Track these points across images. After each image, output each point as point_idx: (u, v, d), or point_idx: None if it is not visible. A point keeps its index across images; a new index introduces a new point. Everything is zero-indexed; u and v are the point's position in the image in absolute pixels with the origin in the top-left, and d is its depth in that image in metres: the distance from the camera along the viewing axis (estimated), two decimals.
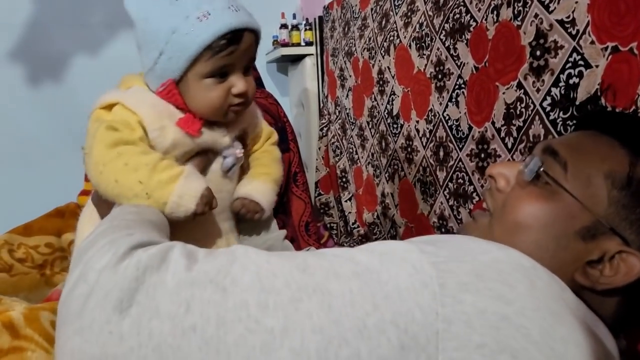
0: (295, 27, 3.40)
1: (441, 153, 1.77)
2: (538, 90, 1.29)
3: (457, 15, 1.64)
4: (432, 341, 0.56)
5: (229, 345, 0.57)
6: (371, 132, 2.36)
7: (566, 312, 0.60)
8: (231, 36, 0.86)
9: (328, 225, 2.82)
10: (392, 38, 2.13)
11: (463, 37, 1.61)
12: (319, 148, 2.96)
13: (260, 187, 1.08)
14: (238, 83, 0.91)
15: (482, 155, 1.54)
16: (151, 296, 0.60)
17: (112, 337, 0.58)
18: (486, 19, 1.49)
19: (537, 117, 1.29)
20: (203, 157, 0.97)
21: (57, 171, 2.81)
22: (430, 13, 1.81)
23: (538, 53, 1.28)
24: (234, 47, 0.87)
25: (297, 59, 3.36)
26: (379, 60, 2.25)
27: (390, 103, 2.16)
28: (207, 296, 0.60)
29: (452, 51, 1.68)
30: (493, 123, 1.47)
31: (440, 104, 1.76)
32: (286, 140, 2.26)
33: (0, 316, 0.71)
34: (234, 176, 1.05)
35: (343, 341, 0.57)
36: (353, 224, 2.61)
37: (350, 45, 2.56)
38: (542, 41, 1.27)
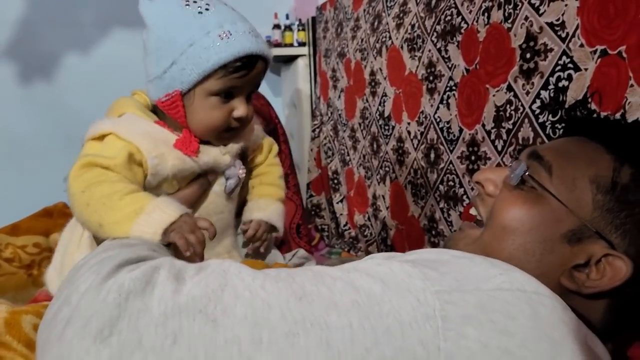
0: (288, 28, 3.39)
1: (432, 155, 1.77)
2: (528, 93, 1.29)
3: (449, 17, 1.63)
4: None
5: None
6: (363, 134, 2.36)
7: (567, 337, 0.59)
8: (246, 60, 0.87)
9: (319, 227, 2.81)
10: (384, 39, 2.12)
11: (454, 39, 1.61)
12: (311, 149, 2.95)
13: (275, 209, 1.09)
14: (240, 107, 0.91)
15: (473, 158, 1.54)
16: (134, 325, 0.56)
17: None
18: (477, 21, 1.49)
19: (526, 120, 1.29)
20: (201, 180, 0.97)
21: (46, 171, 2.78)
22: (422, 14, 1.81)
23: (528, 56, 1.28)
24: (246, 72, 0.88)
25: (290, 59, 3.35)
26: (371, 62, 2.25)
27: (382, 104, 2.16)
28: (196, 329, 0.56)
29: (443, 53, 1.68)
30: (483, 125, 1.47)
31: (432, 105, 1.75)
32: (277, 142, 2.25)
33: None
34: (235, 195, 1.05)
35: None
36: (344, 225, 2.60)
37: (343, 46, 2.56)
38: (532, 44, 1.27)
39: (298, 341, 0.56)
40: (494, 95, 1.42)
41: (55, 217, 1.53)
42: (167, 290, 0.59)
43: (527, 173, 0.77)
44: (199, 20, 0.86)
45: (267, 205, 1.08)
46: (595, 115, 1.04)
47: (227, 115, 0.91)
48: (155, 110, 0.97)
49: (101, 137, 0.89)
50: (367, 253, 2.31)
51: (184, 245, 0.79)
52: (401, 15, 1.98)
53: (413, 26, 1.88)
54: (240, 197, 1.10)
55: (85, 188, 0.82)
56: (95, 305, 0.57)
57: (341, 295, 0.60)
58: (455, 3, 1.60)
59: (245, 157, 1.07)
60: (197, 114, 0.91)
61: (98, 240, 0.86)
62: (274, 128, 2.21)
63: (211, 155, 0.95)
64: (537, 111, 1.26)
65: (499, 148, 1.41)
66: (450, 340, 0.56)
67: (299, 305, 0.59)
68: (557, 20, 1.19)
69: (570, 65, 1.16)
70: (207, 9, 0.87)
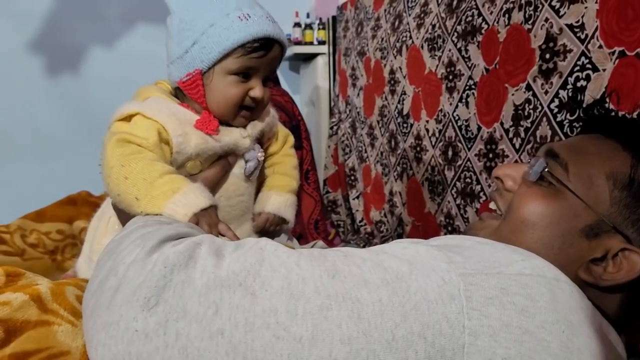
0: (309, 26, 3.42)
1: (450, 153, 1.79)
2: (546, 92, 1.31)
3: (470, 18, 1.66)
4: (458, 355, 0.58)
5: (256, 351, 0.57)
6: (381, 131, 2.39)
7: (583, 322, 0.62)
8: (264, 42, 0.92)
9: (335, 223, 2.84)
10: (404, 39, 2.15)
11: (474, 39, 1.64)
12: (329, 146, 2.99)
13: (286, 201, 1.11)
14: (257, 88, 0.96)
15: (490, 156, 1.56)
16: (179, 295, 0.60)
17: (138, 335, 0.58)
18: (498, 22, 1.51)
19: (544, 119, 1.32)
20: (223, 162, 1.00)
21: (71, 161, 2.84)
22: (443, 15, 1.84)
23: (547, 56, 1.31)
24: (263, 53, 0.93)
25: (310, 57, 3.39)
26: (391, 61, 2.28)
27: (401, 103, 2.19)
28: (236, 300, 0.60)
29: (463, 52, 1.71)
30: (502, 124, 1.50)
31: (451, 104, 1.78)
32: (299, 138, 2.30)
33: (29, 289, 0.73)
34: (254, 178, 1.08)
35: (371, 353, 0.57)
36: (360, 221, 2.63)
37: (363, 45, 2.59)
38: (551, 44, 1.29)
39: (331, 313, 0.59)
40: (513, 95, 1.44)
41: (79, 205, 1.56)
42: (209, 264, 0.62)
43: (546, 169, 0.79)
44: (219, 3, 0.92)
45: (277, 197, 1.11)
46: (612, 113, 1.06)
47: (243, 92, 0.95)
48: (177, 96, 1.02)
49: (128, 118, 0.93)
50: None
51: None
52: (422, 15, 2.01)
53: (434, 26, 1.91)
54: (259, 182, 1.13)
55: (124, 162, 0.85)
56: (142, 276, 0.61)
57: (371, 274, 0.63)
58: (476, 4, 1.63)
59: (262, 143, 1.10)
60: (215, 92, 0.95)
61: (125, 222, 0.90)
62: (296, 125, 2.25)
63: (232, 136, 0.99)
64: (555, 110, 1.29)
65: (517, 146, 1.43)
66: (474, 319, 0.59)
67: (331, 281, 0.61)
68: (577, 22, 1.21)
69: (588, 65, 1.18)
70: None
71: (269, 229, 1.10)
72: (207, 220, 0.85)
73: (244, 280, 0.61)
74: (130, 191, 0.84)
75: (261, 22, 0.92)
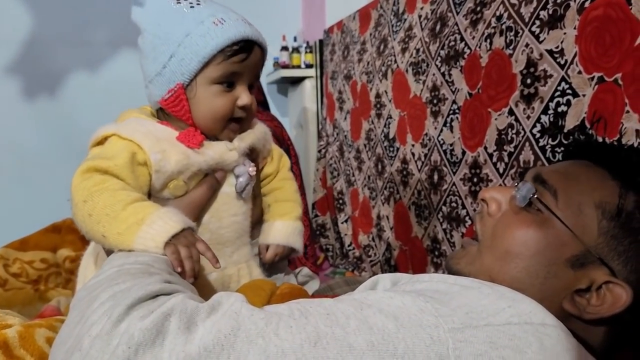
0: (296, 50, 3.44)
1: (435, 177, 1.79)
2: (528, 117, 1.31)
3: (452, 43, 1.67)
4: None
5: None
6: (368, 155, 2.39)
7: None
8: (243, 44, 0.89)
9: (324, 247, 2.83)
10: (389, 63, 2.16)
11: (457, 63, 1.64)
12: (317, 169, 2.98)
13: (293, 230, 1.07)
14: (243, 95, 0.92)
15: (475, 180, 1.56)
16: None
17: None
18: (480, 47, 1.52)
19: (527, 144, 1.32)
20: (210, 179, 0.94)
21: (55, 186, 2.81)
22: (427, 39, 1.84)
23: (529, 81, 1.31)
24: (245, 55, 0.89)
25: (297, 80, 3.39)
26: (377, 84, 2.28)
27: (387, 126, 2.19)
28: None
29: (447, 77, 1.71)
30: (485, 148, 1.50)
31: (435, 128, 1.78)
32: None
33: None
34: (248, 196, 1.02)
35: None
36: (349, 245, 2.62)
37: (349, 68, 2.60)
38: (532, 70, 1.30)
39: None
40: (496, 119, 1.45)
41: (63, 233, 1.54)
42: (179, 341, 0.57)
43: (535, 196, 0.77)
44: (191, 13, 0.89)
45: (284, 227, 1.07)
46: (594, 139, 1.06)
47: (231, 103, 0.91)
48: (159, 117, 0.97)
49: (103, 140, 0.88)
50: (372, 274, 2.33)
51: (175, 262, 0.77)
52: (406, 39, 2.02)
53: (418, 50, 1.91)
54: (256, 209, 1.08)
55: (87, 197, 0.80)
56: (107, 355, 0.56)
57: (356, 335, 0.59)
58: (458, 29, 1.63)
59: (256, 162, 1.04)
60: (201, 105, 0.91)
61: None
62: (286, 149, 2.24)
63: (216, 150, 0.94)
64: (538, 135, 1.29)
65: (501, 170, 1.43)
66: None
67: (313, 350, 0.57)
68: (557, 47, 1.22)
69: (569, 91, 1.19)
70: (198, 4, 0.90)
71: (279, 261, 1.06)
72: (184, 242, 0.79)
73: (217, 356, 0.56)
74: (96, 229, 0.79)
75: (237, 25, 0.88)
